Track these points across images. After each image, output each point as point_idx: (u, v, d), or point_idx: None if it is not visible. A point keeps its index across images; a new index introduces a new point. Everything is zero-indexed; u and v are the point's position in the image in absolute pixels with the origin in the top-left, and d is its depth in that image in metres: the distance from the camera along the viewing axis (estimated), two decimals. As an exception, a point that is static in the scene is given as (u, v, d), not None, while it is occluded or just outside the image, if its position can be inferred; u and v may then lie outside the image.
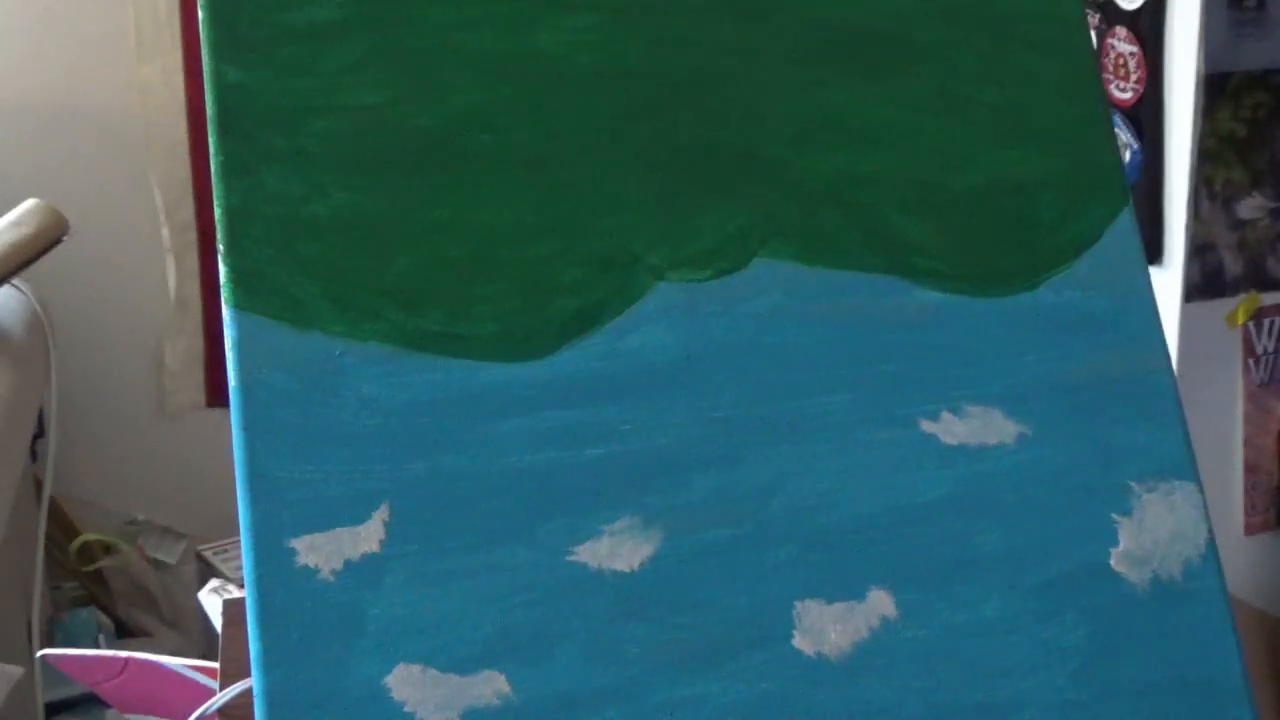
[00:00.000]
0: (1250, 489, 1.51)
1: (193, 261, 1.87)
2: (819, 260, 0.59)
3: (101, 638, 1.76)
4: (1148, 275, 0.63)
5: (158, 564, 1.89)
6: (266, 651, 0.49)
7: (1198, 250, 1.39)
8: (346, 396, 0.52)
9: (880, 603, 0.56)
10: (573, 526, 0.53)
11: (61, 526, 1.79)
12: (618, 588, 0.53)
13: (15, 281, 1.47)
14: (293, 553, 0.50)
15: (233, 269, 0.53)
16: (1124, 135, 1.38)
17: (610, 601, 0.53)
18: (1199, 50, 1.24)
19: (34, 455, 1.63)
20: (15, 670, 1.11)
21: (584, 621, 0.53)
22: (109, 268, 1.82)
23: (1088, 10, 0.63)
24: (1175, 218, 1.38)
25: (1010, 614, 0.57)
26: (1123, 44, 1.27)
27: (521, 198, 0.56)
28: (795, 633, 0.55)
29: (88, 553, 1.82)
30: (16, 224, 1.41)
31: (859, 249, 0.60)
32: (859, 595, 0.56)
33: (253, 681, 0.49)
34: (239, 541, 0.51)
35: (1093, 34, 0.63)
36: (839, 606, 0.55)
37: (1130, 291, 0.63)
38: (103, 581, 1.84)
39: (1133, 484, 0.60)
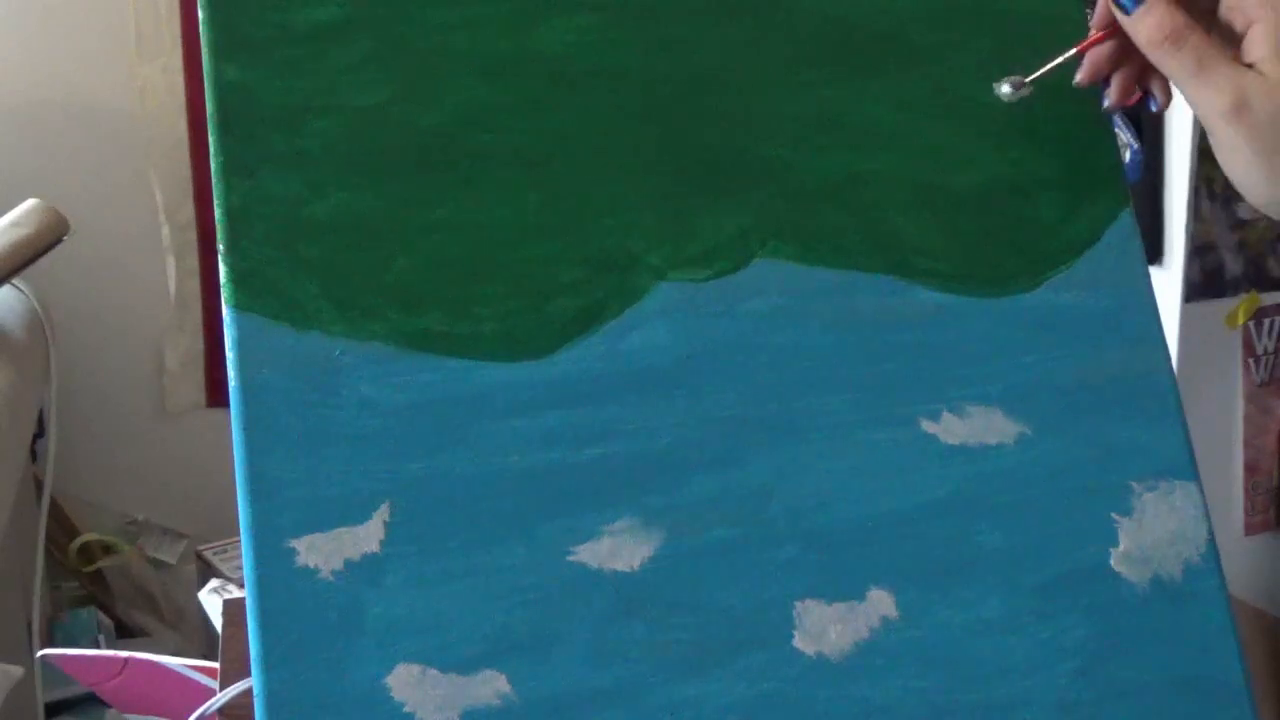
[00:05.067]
0: (1250, 489, 1.51)
1: (193, 261, 1.87)
2: (819, 260, 0.59)
3: (101, 638, 1.76)
4: (1148, 275, 0.63)
5: (158, 564, 1.89)
6: (266, 651, 0.49)
7: (1198, 250, 1.39)
8: (346, 396, 0.52)
9: (880, 603, 0.56)
10: (573, 526, 0.53)
11: (61, 526, 1.79)
12: (618, 588, 0.53)
13: (15, 281, 1.47)
14: (293, 553, 0.50)
15: (233, 269, 0.53)
16: (1124, 135, 1.38)
17: (610, 601, 0.53)
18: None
19: (34, 455, 1.63)
20: (15, 670, 1.11)
21: (584, 621, 0.53)
22: (109, 268, 1.82)
23: (1088, 10, 0.63)
24: (1175, 218, 1.38)
25: (1010, 614, 0.57)
26: (1123, 44, 1.27)
27: (521, 198, 0.56)
28: (795, 633, 0.55)
29: (88, 553, 1.82)
30: (16, 224, 1.41)
31: (859, 249, 0.60)
32: (859, 595, 0.56)
33: (253, 681, 0.49)
34: (239, 541, 0.51)
35: (1093, 34, 0.64)
36: (839, 606, 0.55)
37: (1130, 291, 0.63)
38: (103, 581, 1.85)
39: (1133, 484, 0.60)
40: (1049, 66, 0.61)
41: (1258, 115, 0.53)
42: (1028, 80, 0.61)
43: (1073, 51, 0.60)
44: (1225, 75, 0.54)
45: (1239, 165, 0.54)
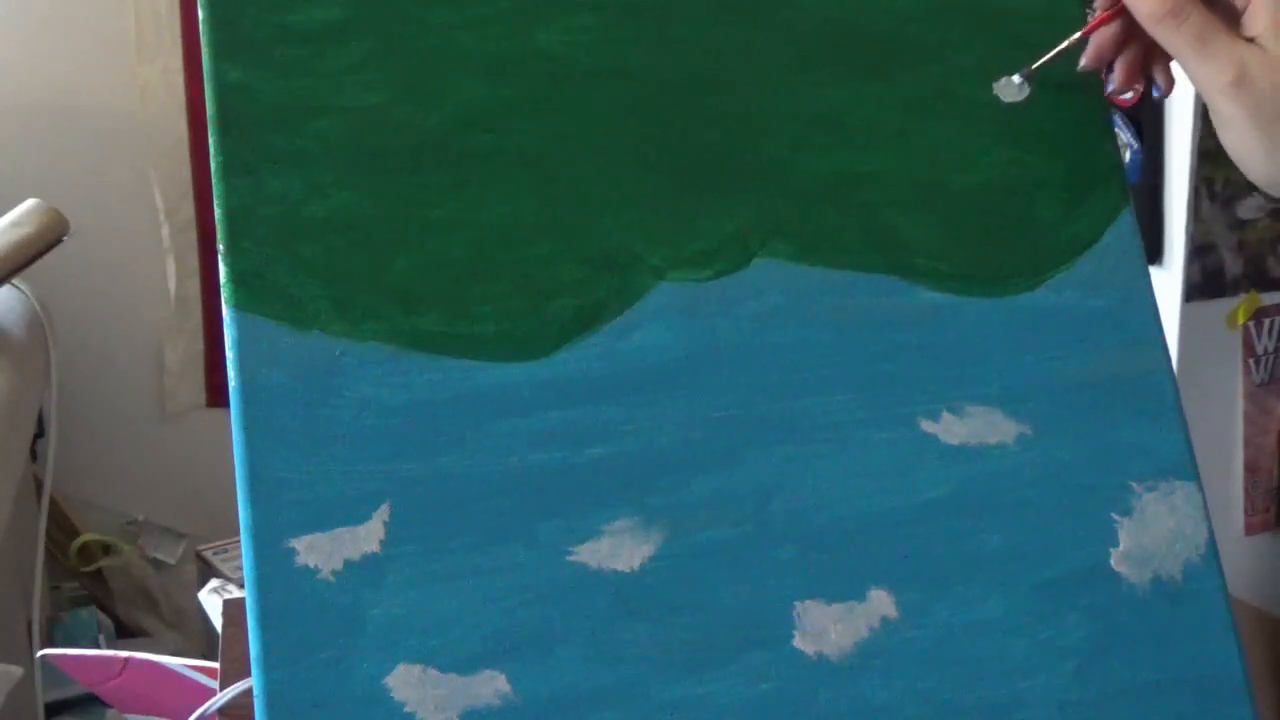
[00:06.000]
0: (1250, 489, 1.51)
1: (193, 261, 1.87)
2: (819, 260, 0.59)
3: (101, 638, 1.76)
4: (1148, 275, 0.63)
5: (158, 564, 1.89)
6: (266, 651, 0.49)
7: (1198, 250, 1.39)
8: (346, 396, 0.52)
9: (880, 603, 0.56)
10: (573, 526, 0.53)
11: (61, 526, 1.79)
12: (618, 587, 0.53)
13: (15, 281, 1.47)
14: (293, 553, 0.50)
15: (233, 269, 0.53)
16: (1124, 135, 1.38)
17: (610, 601, 0.53)
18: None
19: (34, 455, 1.63)
20: (15, 670, 1.11)
21: (584, 621, 0.53)
22: (109, 268, 1.82)
23: (1088, 10, 0.63)
24: (1175, 218, 1.38)
25: (1010, 614, 0.57)
26: (1123, 44, 1.27)
27: (521, 198, 0.56)
28: (795, 633, 0.55)
29: (88, 553, 1.82)
30: (16, 224, 1.41)
31: (859, 249, 0.60)
32: (859, 595, 0.56)
33: (253, 681, 0.49)
34: (239, 541, 0.51)
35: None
36: (839, 606, 0.55)
37: (1130, 291, 0.63)
38: (103, 581, 1.85)
39: (1133, 484, 0.60)
40: (1055, 51, 0.61)
41: (1258, 89, 0.53)
42: (1035, 66, 0.61)
43: (1078, 35, 0.60)
44: (1226, 49, 0.54)
45: (1239, 140, 0.55)
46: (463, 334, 0.54)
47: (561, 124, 0.58)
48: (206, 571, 1.68)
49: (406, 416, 0.53)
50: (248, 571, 0.50)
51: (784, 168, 0.60)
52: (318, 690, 0.49)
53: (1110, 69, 0.61)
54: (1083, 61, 0.61)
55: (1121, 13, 0.59)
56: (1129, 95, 0.62)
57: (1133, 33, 0.59)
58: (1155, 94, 0.62)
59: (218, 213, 0.53)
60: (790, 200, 0.59)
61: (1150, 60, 0.60)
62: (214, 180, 0.54)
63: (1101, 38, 0.60)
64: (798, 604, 0.55)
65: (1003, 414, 0.59)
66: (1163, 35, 0.56)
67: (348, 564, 0.51)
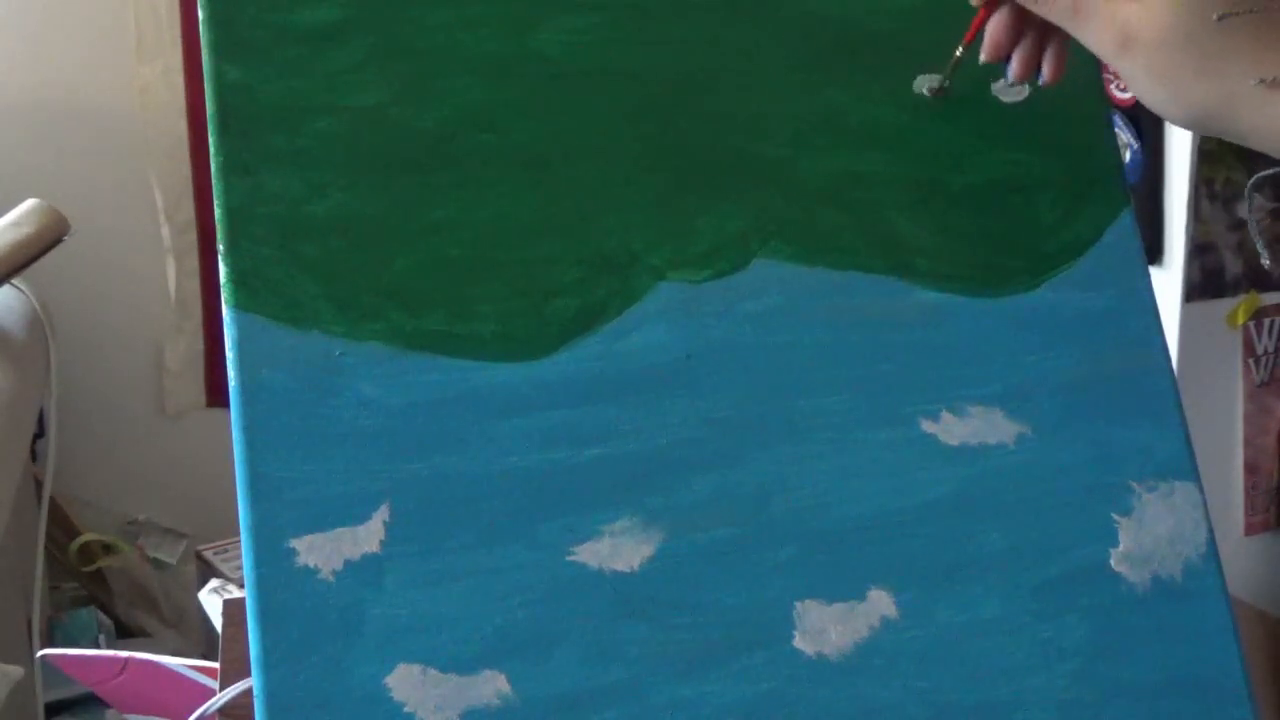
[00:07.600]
0: (1250, 489, 1.51)
1: (193, 261, 1.87)
2: (819, 260, 0.59)
3: (101, 638, 1.76)
4: (1148, 275, 0.63)
5: (158, 564, 1.89)
6: (266, 651, 0.49)
7: (1198, 250, 1.39)
8: (346, 396, 0.52)
9: (880, 603, 0.56)
10: (573, 526, 0.53)
11: (61, 526, 1.79)
12: (618, 588, 0.53)
13: (15, 281, 1.47)
14: (293, 553, 0.50)
15: (233, 269, 0.53)
16: (1124, 135, 1.38)
17: (610, 601, 0.53)
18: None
19: (34, 455, 1.64)
20: (15, 670, 1.11)
21: (584, 621, 0.53)
22: (109, 268, 1.82)
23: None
24: (1175, 218, 1.38)
25: (1010, 614, 0.57)
26: (1123, 44, 1.26)
27: (521, 198, 0.56)
28: (795, 633, 0.55)
29: (88, 553, 1.82)
30: (16, 224, 1.41)
31: (859, 249, 0.60)
32: (859, 595, 0.56)
33: (253, 681, 0.49)
34: (239, 541, 0.51)
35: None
36: (839, 606, 0.55)
37: (1130, 291, 0.63)
38: (103, 581, 1.85)
39: (1133, 484, 0.60)
40: (956, 61, 0.60)
41: (1145, 45, 0.52)
42: (946, 82, 0.61)
43: (968, 39, 0.60)
44: (1105, 13, 0.53)
45: (1144, 92, 0.54)
46: (463, 334, 0.54)
47: (561, 124, 0.58)
48: (206, 571, 1.68)
49: (406, 416, 0.53)
50: (248, 571, 0.50)
51: (784, 168, 0.60)
52: (318, 690, 0.49)
53: (1008, 60, 0.60)
54: (982, 56, 0.59)
55: (1000, 3, 0.58)
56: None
57: (1025, 22, 0.59)
58: (1040, 81, 0.60)
59: (218, 213, 0.53)
60: (790, 200, 0.59)
61: (1044, 48, 0.60)
62: (214, 180, 0.54)
63: (996, 32, 0.59)
64: (797, 604, 0.55)
65: (1003, 414, 0.59)
66: (1040, 10, 0.55)
67: (348, 564, 0.51)
